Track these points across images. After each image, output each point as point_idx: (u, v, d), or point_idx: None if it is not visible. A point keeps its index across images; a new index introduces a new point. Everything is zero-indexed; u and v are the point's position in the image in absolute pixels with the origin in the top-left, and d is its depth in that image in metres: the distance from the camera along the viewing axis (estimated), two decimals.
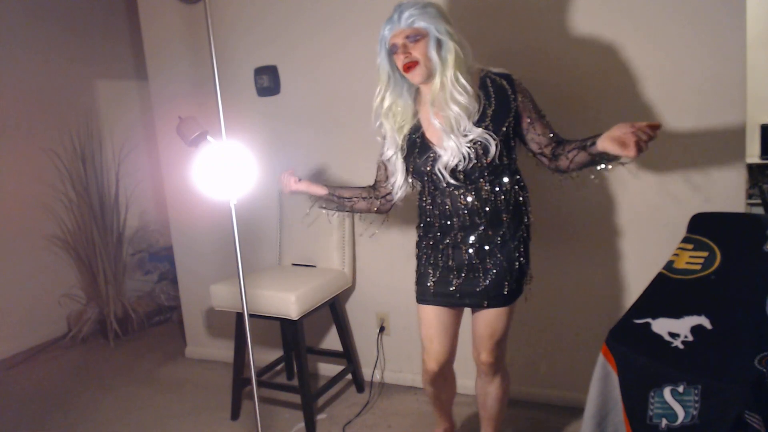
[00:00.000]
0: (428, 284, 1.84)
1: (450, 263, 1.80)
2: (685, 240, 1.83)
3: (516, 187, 1.79)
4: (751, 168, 4.19)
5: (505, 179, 1.77)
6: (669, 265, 1.67)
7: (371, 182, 2.04)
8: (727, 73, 2.04)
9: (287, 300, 2.39)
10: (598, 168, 1.68)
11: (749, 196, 4.02)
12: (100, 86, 4.16)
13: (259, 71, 2.85)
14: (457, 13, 2.28)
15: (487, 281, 1.77)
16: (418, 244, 1.92)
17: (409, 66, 1.69)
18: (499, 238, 1.77)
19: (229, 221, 1.92)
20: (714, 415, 1.13)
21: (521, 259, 1.80)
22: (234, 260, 1.93)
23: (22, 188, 3.72)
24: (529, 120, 1.75)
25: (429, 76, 1.72)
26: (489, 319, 1.83)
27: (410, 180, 1.87)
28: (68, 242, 3.89)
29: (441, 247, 1.82)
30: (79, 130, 3.86)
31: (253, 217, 2.88)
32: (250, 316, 2.12)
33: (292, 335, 2.49)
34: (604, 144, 1.54)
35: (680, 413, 1.17)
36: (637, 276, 2.24)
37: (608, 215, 2.30)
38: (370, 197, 1.99)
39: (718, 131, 2.08)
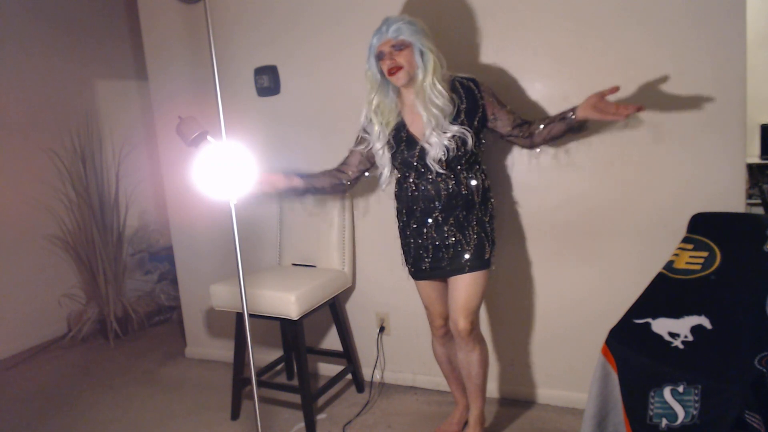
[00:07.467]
0: (423, 267, 2.12)
1: (437, 243, 2.07)
2: (685, 240, 1.84)
3: (483, 174, 2.08)
4: (751, 168, 4.19)
5: (477, 167, 2.07)
6: (669, 265, 1.67)
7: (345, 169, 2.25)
8: (727, 73, 2.04)
9: (287, 300, 2.39)
10: (573, 132, 2.01)
11: (749, 196, 4.02)
12: (100, 86, 4.16)
13: (259, 71, 2.85)
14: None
15: (470, 251, 2.05)
16: (403, 230, 2.15)
17: (393, 70, 1.95)
18: (473, 216, 2.05)
19: (229, 221, 1.92)
20: (714, 415, 1.13)
21: (492, 231, 2.10)
22: (234, 260, 1.93)
23: (22, 188, 3.72)
24: (493, 112, 2.05)
25: (410, 80, 1.98)
26: (467, 283, 2.06)
27: (396, 170, 2.12)
28: (68, 242, 3.89)
29: (425, 229, 2.08)
30: (79, 130, 3.87)
31: (253, 217, 2.88)
32: (250, 316, 2.12)
33: (292, 335, 2.49)
34: (585, 112, 1.88)
35: (680, 413, 1.17)
36: (637, 276, 2.23)
37: (608, 215, 2.30)
38: (340, 182, 2.22)
39: (718, 131, 2.08)
